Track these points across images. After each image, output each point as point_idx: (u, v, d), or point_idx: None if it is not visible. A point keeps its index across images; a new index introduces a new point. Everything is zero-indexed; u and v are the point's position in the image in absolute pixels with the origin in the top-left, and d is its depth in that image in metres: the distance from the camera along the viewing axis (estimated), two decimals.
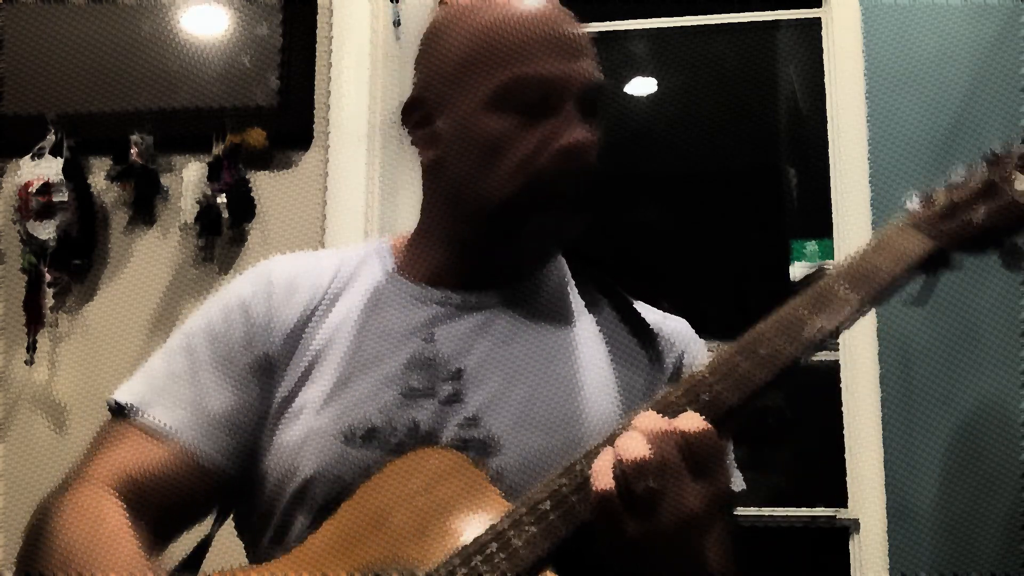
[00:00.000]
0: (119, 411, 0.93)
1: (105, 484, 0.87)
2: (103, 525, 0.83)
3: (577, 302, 1.03)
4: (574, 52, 0.95)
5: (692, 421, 0.72)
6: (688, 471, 0.71)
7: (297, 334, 0.96)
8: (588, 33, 0.99)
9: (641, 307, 1.04)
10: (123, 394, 0.94)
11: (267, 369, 0.95)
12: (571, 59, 0.94)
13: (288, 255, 1.04)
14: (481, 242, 0.97)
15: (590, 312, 1.02)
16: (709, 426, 0.72)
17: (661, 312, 1.05)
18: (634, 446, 0.71)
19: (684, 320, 1.06)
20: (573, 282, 1.05)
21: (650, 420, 0.73)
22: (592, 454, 0.75)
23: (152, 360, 0.97)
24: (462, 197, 0.96)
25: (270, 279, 0.99)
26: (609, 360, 0.97)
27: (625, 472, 0.70)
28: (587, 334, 0.99)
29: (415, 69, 1.03)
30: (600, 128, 0.97)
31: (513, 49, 0.93)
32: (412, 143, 1.01)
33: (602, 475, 0.71)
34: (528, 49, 0.93)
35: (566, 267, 1.06)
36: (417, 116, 1.00)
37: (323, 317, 0.97)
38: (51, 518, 0.84)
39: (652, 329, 1.01)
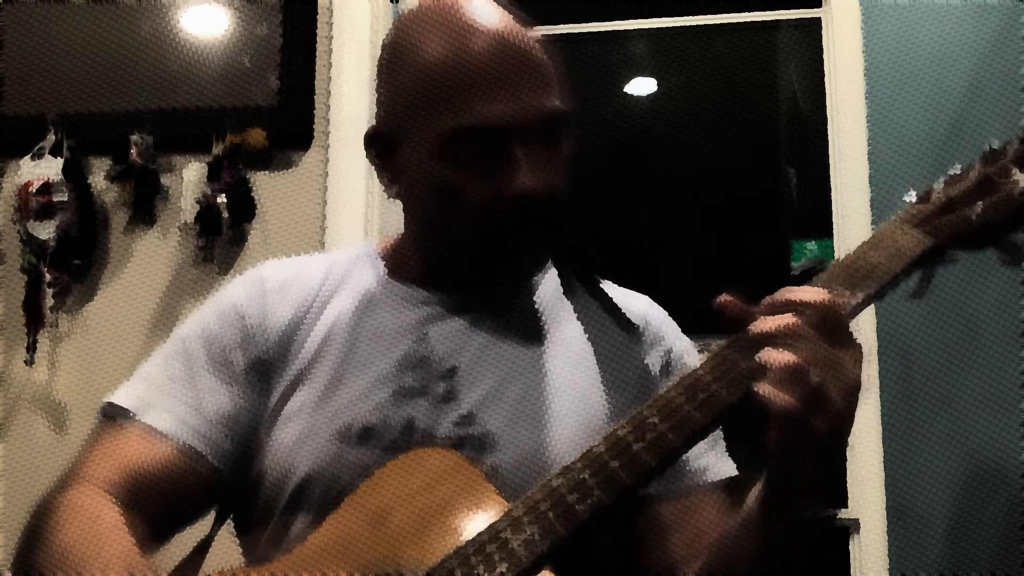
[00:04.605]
0: (117, 414, 0.93)
1: (101, 484, 0.87)
2: (99, 524, 0.83)
3: (565, 300, 1.03)
4: (522, 85, 0.89)
5: (811, 292, 0.74)
6: (830, 344, 0.72)
7: (290, 335, 0.96)
8: (544, 56, 0.93)
9: (616, 293, 1.04)
10: (121, 397, 0.94)
11: (263, 371, 0.95)
12: (517, 96, 0.89)
13: (279, 259, 1.05)
14: (457, 260, 0.97)
15: (577, 309, 1.02)
16: (826, 294, 0.74)
17: (629, 291, 1.06)
18: (777, 356, 0.72)
19: (647, 298, 1.07)
20: (560, 280, 1.05)
21: (773, 305, 0.75)
22: (587, 455, 0.75)
23: (148, 365, 0.97)
24: (427, 229, 0.98)
25: (263, 282, 0.99)
26: (596, 357, 0.98)
27: (792, 380, 0.71)
28: (574, 331, 1.00)
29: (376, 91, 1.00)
30: (567, 153, 0.94)
31: (453, 97, 0.88)
32: (377, 174, 1.00)
33: (776, 396, 0.71)
34: (468, 95, 0.88)
35: (554, 266, 1.06)
36: (378, 149, 0.99)
37: (315, 319, 0.97)
38: (47, 518, 0.84)
39: (636, 324, 1.01)
